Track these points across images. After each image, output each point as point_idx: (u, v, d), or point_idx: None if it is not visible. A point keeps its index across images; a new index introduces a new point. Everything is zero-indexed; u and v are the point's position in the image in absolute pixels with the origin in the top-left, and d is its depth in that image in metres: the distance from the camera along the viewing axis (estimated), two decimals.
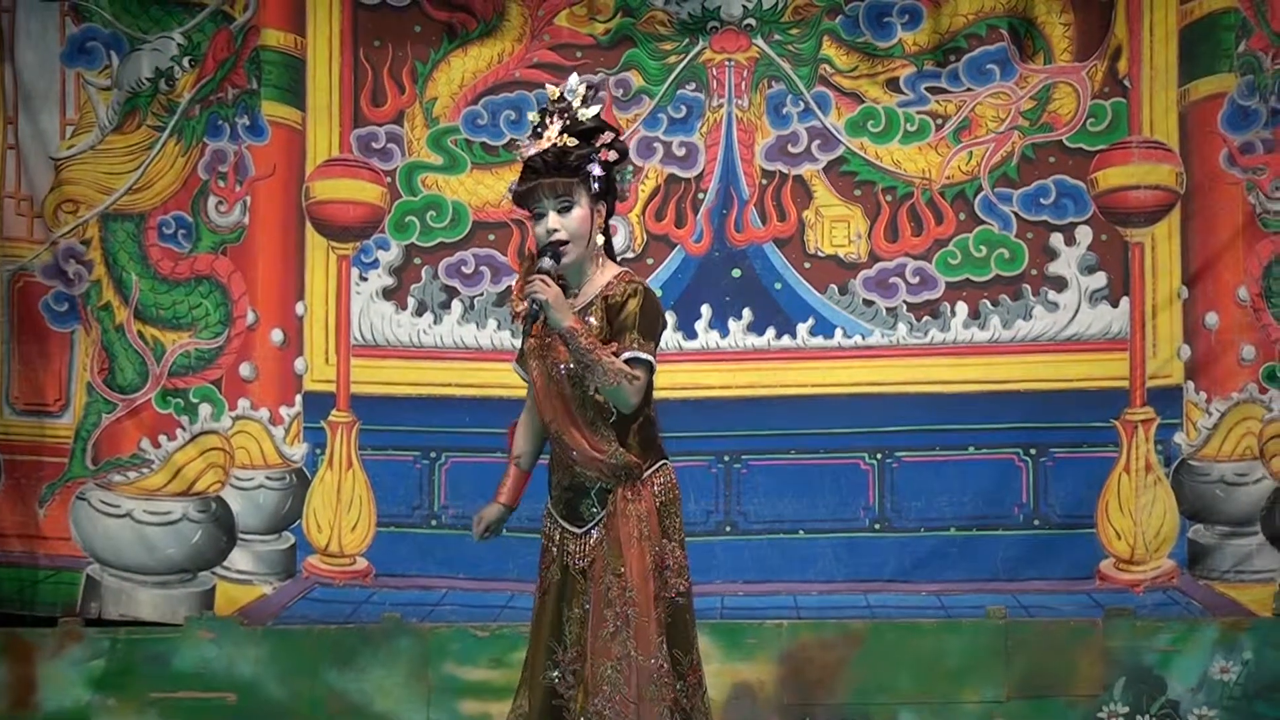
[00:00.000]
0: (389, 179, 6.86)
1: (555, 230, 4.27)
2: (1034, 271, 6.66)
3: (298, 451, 6.79)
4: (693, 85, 6.83)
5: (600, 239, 4.37)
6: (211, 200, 6.84)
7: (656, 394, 4.38)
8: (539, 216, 4.31)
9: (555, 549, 4.40)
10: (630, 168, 6.65)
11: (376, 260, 6.84)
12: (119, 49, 6.84)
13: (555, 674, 4.34)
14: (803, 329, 6.72)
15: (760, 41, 6.81)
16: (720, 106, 6.82)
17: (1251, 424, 6.47)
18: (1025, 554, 6.54)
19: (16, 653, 6.54)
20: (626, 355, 4.22)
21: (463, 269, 6.84)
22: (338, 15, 6.88)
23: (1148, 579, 6.50)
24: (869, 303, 6.71)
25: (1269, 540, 6.42)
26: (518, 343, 4.55)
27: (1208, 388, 6.53)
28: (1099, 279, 6.63)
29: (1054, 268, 6.65)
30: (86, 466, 6.81)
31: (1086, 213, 6.65)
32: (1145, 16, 6.64)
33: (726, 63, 6.82)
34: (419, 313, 6.82)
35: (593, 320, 4.28)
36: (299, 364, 6.82)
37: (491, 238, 6.84)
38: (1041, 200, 6.68)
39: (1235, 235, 6.52)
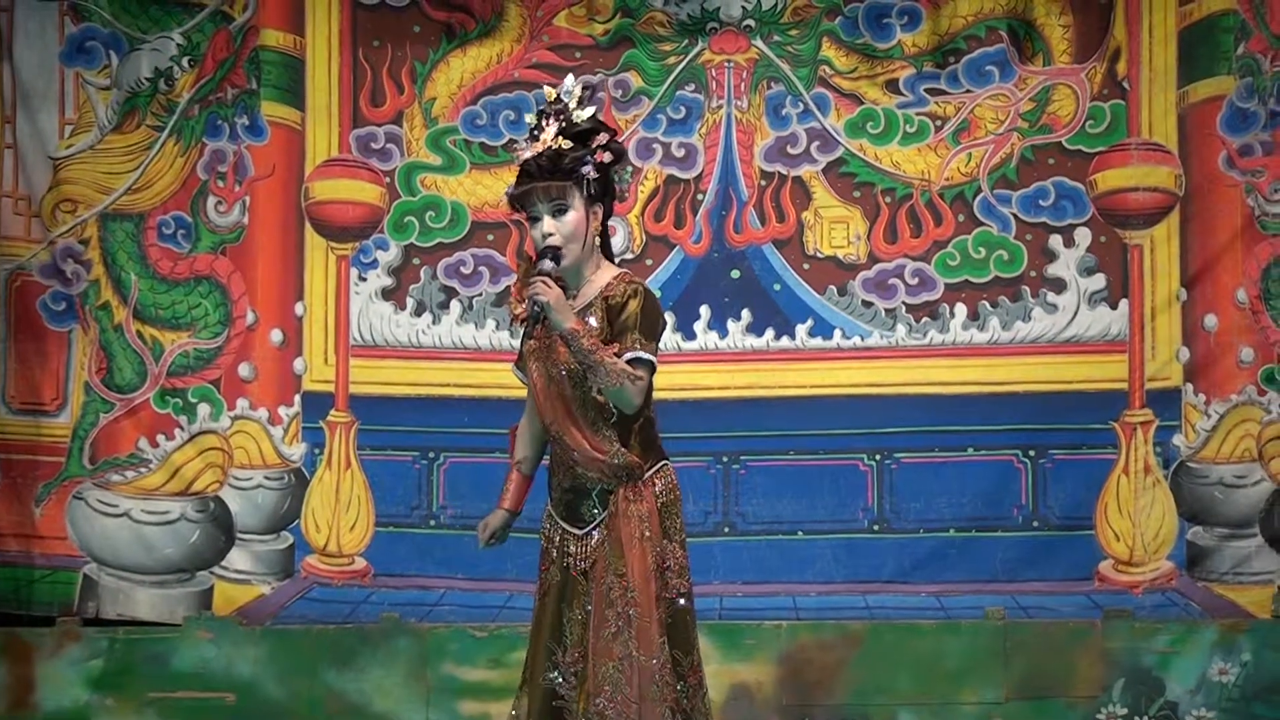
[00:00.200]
0: (388, 179, 6.86)
1: (550, 234, 4.28)
2: (1033, 273, 6.67)
3: (296, 451, 6.79)
4: (692, 86, 6.83)
5: (597, 240, 4.37)
6: (211, 200, 6.84)
7: (655, 395, 4.38)
8: (534, 220, 4.31)
9: (555, 550, 4.40)
10: (629, 168, 6.66)
11: (375, 260, 6.84)
12: (118, 49, 6.84)
13: (555, 675, 4.33)
14: (802, 330, 6.72)
15: (759, 43, 6.81)
16: (719, 108, 6.82)
17: (1250, 426, 6.48)
18: (1024, 555, 6.55)
19: (15, 652, 6.54)
20: (628, 356, 4.23)
21: (461, 269, 6.84)
22: (337, 15, 6.88)
23: (1146, 580, 6.50)
24: (868, 304, 6.71)
25: (1268, 542, 6.43)
26: (516, 343, 4.55)
27: (1206, 390, 6.53)
28: (1098, 281, 6.64)
29: (1053, 269, 6.66)
30: (84, 466, 6.81)
31: (1085, 215, 6.66)
32: (1144, 18, 6.65)
33: (726, 64, 6.82)
34: (418, 313, 6.82)
35: (593, 321, 4.27)
36: (298, 364, 6.81)
37: (490, 238, 6.84)
38: (1040, 202, 6.68)
39: (1234, 237, 6.53)
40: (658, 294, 4.49)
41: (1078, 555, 6.53)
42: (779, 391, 6.69)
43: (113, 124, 6.84)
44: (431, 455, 6.78)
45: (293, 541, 6.77)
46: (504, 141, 6.82)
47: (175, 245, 6.85)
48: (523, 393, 4.59)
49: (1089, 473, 6.56)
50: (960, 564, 6.57)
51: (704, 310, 6.75)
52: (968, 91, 6.74)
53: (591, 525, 4.34)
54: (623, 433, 4.31)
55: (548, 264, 4.25)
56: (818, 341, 6.71)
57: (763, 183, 6.78)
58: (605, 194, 4.36)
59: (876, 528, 6.65)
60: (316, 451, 6.79)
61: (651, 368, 4.27)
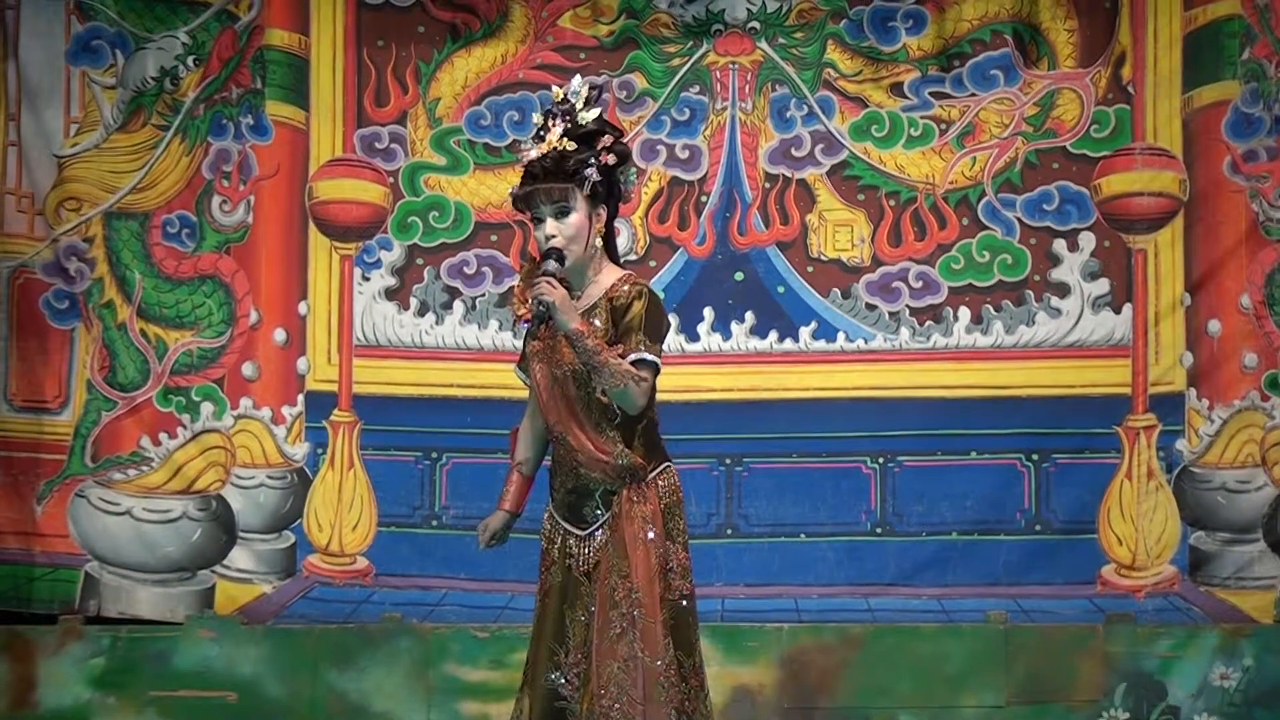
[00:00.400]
0: (392, 179, 6.86)
1: (552, 235, 4.28)
2: (1037, 277, 6.67)
3: (299, 451, 6.79)
4: (696, 88, 6.83)
5: (600, 241, 4.37)
6: (215, 199, 6.84)
7: (658, 396, 4.38)
8: (538, 221, 4.32)
9: (557, 551, 4.40)
10: (634, 169, 6.65)
11: (379, 260, 6.84)
12: (124, 48, 6.84)
13: (558, 676, 4.33)
14: (805, 333, 6.72)
15: (764, 45, 6.81)
16: (724, 109, 6.82)
17: (1253, 431, 6.48)
18: (1026, 559, 6.55)
19: (16, 650, 6.54)
20: (633, 357, 4.23)
21: (465, 269, 6.84)
22: (342, 15, 6.88)
23: (1149, 585, 6.50)
24: (872, 307, 6.71)
25: (1270, 547, 6.43)
26: (519, 344, 4.55)
27: (1210, 395, 6.53)
28: (1102, 285, 6.64)
29: (1057, 274, 6.66)
30: (85, 464, 6.81)
31: (1089, 219, 6.65)
32: (1149, 23, 6.65)
33: (730, 66, 6.83)
34: (421, 313, 6.82)
35: (598, 322, 4.28)
36: (301, 363, 6.81)
37: (494, 238, 6.84)
38: (1045, 206, 6.68)
39: (1238, 243, 6.53)
40: (661, 296, 4.49)
41: (1080, 559, 6.53)
42: (782, 394, 6.69)
43: (118, 123, 6.84)
44: (434, 455, 6.78)
45: (295, 541, 6.77)
46: (508, 142, 6.82)
47: (180, 244, 6.85)
48: (525, 394, 4.59)
49: (1092, 477, 6.56)
50: (962, 567, 6.57)
51: (707, 312, 6.74)
52: (972, 95, 6.74)
53: (594, 526, 4.34)
54: (626, 434, 4.31)
55: (552, 264, 4.25)
56: (821, 344, 6.71)
57: (767, 185, 6.78)
58: (610, 195, 4.37)
59: (879, 531, 6.65)
60: (319, 451, 6.79)
61: (656, 369, 4.28)
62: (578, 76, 4.45)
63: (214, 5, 6.83)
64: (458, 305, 6.81)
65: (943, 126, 6.74)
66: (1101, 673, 6.30)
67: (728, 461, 6.69)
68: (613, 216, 4.41)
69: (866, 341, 6.71)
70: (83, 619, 6.62)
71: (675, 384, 6.19)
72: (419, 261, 6.84)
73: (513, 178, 4.54)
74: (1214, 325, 6.54)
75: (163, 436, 6.80)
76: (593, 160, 4.29)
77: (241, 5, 6.83)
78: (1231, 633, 6.31)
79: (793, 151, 6.79)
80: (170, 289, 6.86)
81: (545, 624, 4.37)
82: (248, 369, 6.80)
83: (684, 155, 6.82)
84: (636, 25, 6.82)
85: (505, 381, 6.15)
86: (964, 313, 6.67)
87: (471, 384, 6.76)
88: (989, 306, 6.67)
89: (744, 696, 6.33)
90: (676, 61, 6.84)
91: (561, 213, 4.29)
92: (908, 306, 6.69)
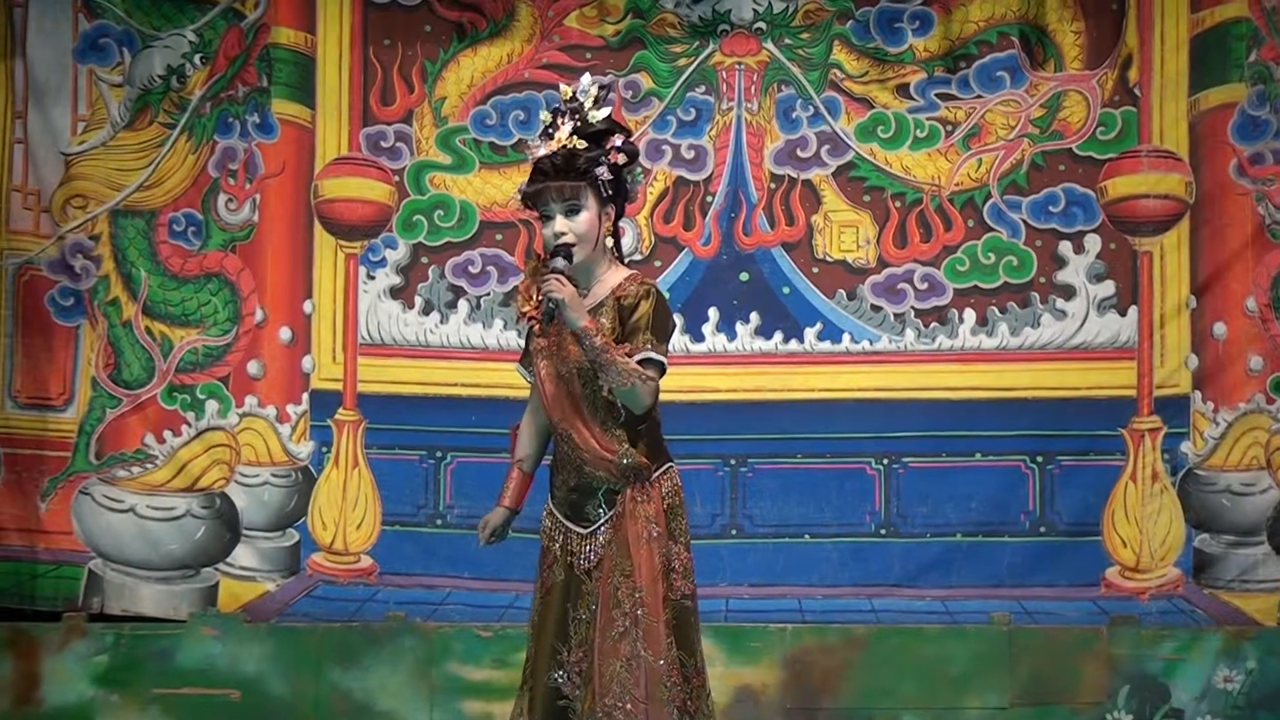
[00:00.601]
0: (397, 178, 6.86)
1: (562, 233, 4.28)
2: (1042, 279, 6.66)
3: (304, 449, 6.79)
4: (702, 88, 6.83)
5: (609, 240, 4.37)
6: (222, 198, 6.84)
7: (663, 396, 4.37)
8: (547, 218, 4.32)
9: (558, 549, 4.39)
10: (640, 169, 6.65)
11: (384, 259, 6.84)
12: (131, 46, 6.85)
13: (560, 674, 4.33)
14: (810, 333, 6.71)
15: (770, 45, 6.81)
16: (730, 110, 6.82)
17: (1258, 434, 6.47)
18: (1031, 561, 6.54)
19: (20, 647, 6.54)
20: (639, 356, 4.24)
21: (470, 269, 6.84)
22: (348, 14, 6.88)
23: (1153, 587, 6.50)
24: (877, 308, 6.71)
25: (1274, 550, 6.42)
26: (524, 343, 4.55)
27: (1215, 398, 6.53)
28: (1107, 288, 6.63)
29: (1062, 276, 6.66)
30: (89, 461, 6.81)
31: (1095, 221, 6.65)
32: (1156, 25, 6.64)
33: (736, 66, 6.82)
34: (426, 312, 6.82)
35: (605, 321, 4.28)
36: (306, 362, 6.82)
37: (499, 237, 6.84)
38: (1050, 208, 6.68)
39: (1244, 246, 6.53)
40: (666, 295, 4.49)
41: (1084, 561, 6.53)
42: (787, 395, 6.69)
43: (125, 121, 6.85)
44: (438, 454, 6.78)
45: (299, 539, 6.77)
46: (513, 141, 6.82)
47: (185, 242, 6.86)
48: (529, 393, 4.59)
49: (1096, 479, 6.56)
50: (966, 569, 6.57)
51: (712, 312, 6.74)
52: (979, 97, 6.73)
53: (597, 524, 4.34)
54: (631, 433, 4.31)
55: (561, 261, 4.26)
56: (826, 345, 6.71)
57: (772, 185, 6.78)
58: (617, 195, 4.37)
59: (883, 532, 6.64)
60: (324, 449, 6.79)
61: (662, 369, 4.28)
62: (586, 75, 4.46)
63: (221, 3, 6.84)
64: (462, 304, 6.81)
65: (949, 128, 6.74)
66: (1105, 675, 6.29)
67: (732, 462, 6.69)
68: (619, 216, 4.42)
69: (871, 343, 6.71)
70: (86, 616, 6.62)
71: (680, 384, 6.18)
72: (424, 260, 6.84)
73: (518, 177, 4.56)
74: (1219, 328, 6.54)
75: (167, 434, 6.81)
76: (604, 159, 4.30)
77: (248, 4, 6.84)
78: (1235, 635, 6.30)
79: (798, 152, 6.79)
80: (176, 287, 6.86)
81: (547, 622, 4.37)
82: (253, 367, 6.80)
83: (689, 155, 6.82)
84: (643, 25, 6.83)
85: (510, 381, 6.13)
86: (969, 314, 6.67)
87: (476, 383, 6.76)
88: (994, 308, 6.67)
89: (747, 696, 6.32)
90: (682, 62, 6.84)
91: (571, 210, 4.29)
92: (913, 308, 6.69)
